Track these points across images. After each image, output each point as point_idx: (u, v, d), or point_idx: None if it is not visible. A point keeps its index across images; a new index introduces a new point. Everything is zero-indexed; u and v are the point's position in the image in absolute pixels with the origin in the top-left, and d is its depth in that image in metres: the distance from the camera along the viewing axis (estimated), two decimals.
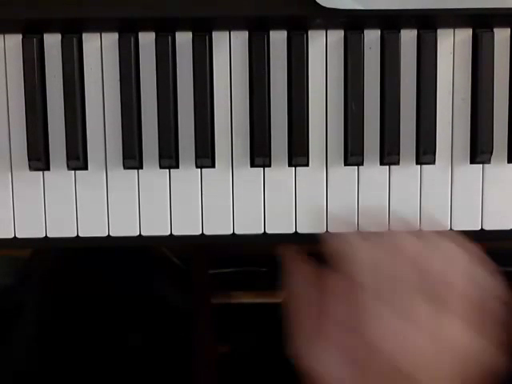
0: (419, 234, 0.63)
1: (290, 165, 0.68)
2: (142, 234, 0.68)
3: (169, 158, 0.67)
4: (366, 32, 0.67)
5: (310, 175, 0.68)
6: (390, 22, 0.66)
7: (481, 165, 0.68)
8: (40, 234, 0.68)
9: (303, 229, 0.68)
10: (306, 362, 0.61)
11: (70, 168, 0.68)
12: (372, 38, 0.67)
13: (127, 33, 0.67)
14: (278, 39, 0.67)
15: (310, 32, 0.67)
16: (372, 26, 0.67)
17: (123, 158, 0.67)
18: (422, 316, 0.59)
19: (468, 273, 0.61)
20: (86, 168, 0.68)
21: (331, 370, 0.60)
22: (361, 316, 0.59)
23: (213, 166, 0.68)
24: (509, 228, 0.69)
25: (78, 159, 0.67)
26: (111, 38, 0.67)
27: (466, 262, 0.61)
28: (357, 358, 0.59)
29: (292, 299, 0.63)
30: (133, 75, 0.67)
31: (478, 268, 0.61)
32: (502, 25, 0.67)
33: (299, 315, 0.62)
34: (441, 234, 0.62)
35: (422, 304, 0.59)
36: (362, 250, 0.61)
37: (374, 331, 0.58)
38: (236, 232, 0.68)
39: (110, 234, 0.68)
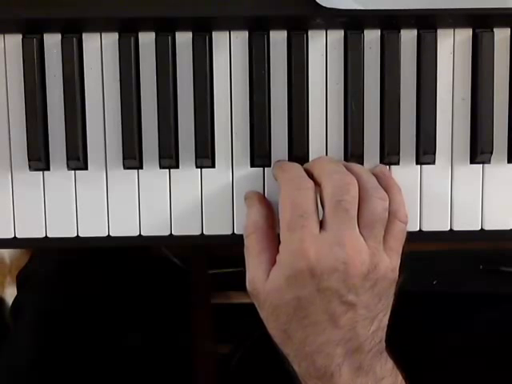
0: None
1: None
2: (142, 234, 0.68)
3: (169, 158, 0.67)
4: (366, 32, 0.67)
5: None
6: (389, 22, 0.66)
7: (481, 165, 0.68)
8: (40, 234, 0.68)
9: None
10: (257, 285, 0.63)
11: (69, 168, 0.68)
12: (372, 38, 0.67)
13: (127, 33, 0.67)
14: (278, 39, 0.67)
15: (310, 32, 0.67)
16: (372, 26, 0.67)
17: (123, 158, 0.67)
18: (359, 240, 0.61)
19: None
20: (86, 168, 0.68)
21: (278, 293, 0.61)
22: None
23: (213, 166, 0.68)
24: (509, 228, 0.69)
25: (78, 159, 0.67)
26: (111, 38, 0.67)
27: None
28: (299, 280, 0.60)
29: (252, 230, 0.64)
30: (133, 75, 0.67)
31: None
32: (501, 25, 0.67)
33: (257, 245, 0.64)
34: None
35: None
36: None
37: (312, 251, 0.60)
38: (236, 232, 0.68)
39: (110, 234, 0.68)
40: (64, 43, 0.67)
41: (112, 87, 0.67)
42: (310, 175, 0.64)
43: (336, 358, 0.60)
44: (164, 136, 0.67)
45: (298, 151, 0.67)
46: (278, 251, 0.62)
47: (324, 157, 0.67)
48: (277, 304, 0.61)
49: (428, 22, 0.67)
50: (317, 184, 0.63)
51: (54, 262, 0.93)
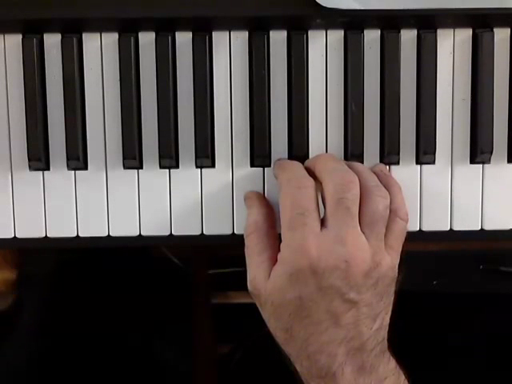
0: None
1: None
2: (142, 234, 0.68)
3: (169, 158, 0.67)
4: (366, 32, 0.67)
5: None
6: (390, 22, 0.66)
7: (481, 165, 0.68)
8: (40, 234, 0.68)
9: None
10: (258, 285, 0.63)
11: (69, 168, 0.68)
12: (372, 37, 0.67)
13: (127, 33, 0.67)
14: (278, 39, 0.67)
15: (310, 32, 0.67)
16: (372, 26, 0.67)
17: (123, 158, 0.67)
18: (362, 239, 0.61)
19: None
20: (86, 168, 0.68)
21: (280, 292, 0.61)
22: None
23: (213, 166, 0.68)
24: (509, 228, 0.69)
25: (77, 159, 0.67)
26: (111, 38, 0.67)
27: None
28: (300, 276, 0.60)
29: (252, 229, 0.65)
30: (133, 75, 0.67)
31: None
32: (501, 25, 0.67)
33: (258, 244, 0.64)
34: None
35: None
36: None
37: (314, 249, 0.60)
38: (236, 232, 0.68)
39: (110, 234, 0.68)
40: (64, 43, 0.67)
41: (112, 87, 0.67)
42: (311, 173, 0.64)
43: (338, 357, 0.60)
44: (164, 136, 0.67)
45: (298, 151, 0.67)
46: (278, 250, 0.62)
47: (325, 154, 0.67)
48: (278, 303, 0.61)
49: (428, 22, 0.67)
50: (318, 182, 0.63)
51: (53, 262, 0.93)
